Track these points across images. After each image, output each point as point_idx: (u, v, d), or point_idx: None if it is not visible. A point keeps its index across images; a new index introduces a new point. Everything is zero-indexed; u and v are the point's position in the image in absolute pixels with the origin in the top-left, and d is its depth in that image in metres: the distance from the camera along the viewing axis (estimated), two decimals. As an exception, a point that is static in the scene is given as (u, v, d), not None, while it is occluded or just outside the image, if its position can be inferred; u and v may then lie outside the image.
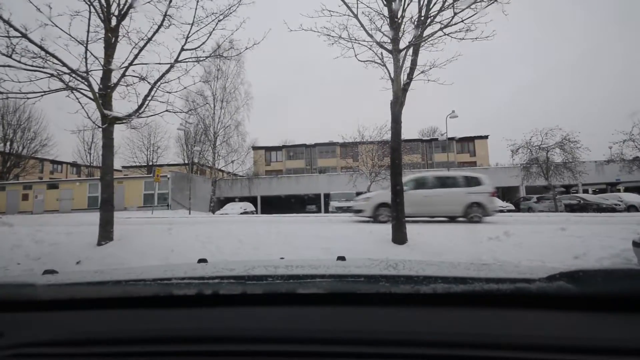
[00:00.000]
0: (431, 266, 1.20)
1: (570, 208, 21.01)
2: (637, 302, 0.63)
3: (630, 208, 20.60)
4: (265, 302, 0.73)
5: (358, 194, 21.93)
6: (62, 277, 1.00)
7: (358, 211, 10.22)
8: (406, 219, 6.14)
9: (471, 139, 40.46)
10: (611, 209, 20.04)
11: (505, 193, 28.39)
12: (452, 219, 9.97)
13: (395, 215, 6.04)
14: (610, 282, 0.68)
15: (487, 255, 5.02)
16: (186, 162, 30.58)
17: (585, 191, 28.28)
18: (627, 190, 27.73)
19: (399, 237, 5.94)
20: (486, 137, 40.52)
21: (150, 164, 35.44)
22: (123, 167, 38.68)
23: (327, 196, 25.58)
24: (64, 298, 0.77)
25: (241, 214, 20.60)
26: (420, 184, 10.16)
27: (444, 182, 10.29)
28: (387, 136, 20.82)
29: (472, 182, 10.14)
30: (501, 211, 21.65)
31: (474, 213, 9.55)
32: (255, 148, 34.86)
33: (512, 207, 22.25)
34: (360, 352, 0.60)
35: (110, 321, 0.71)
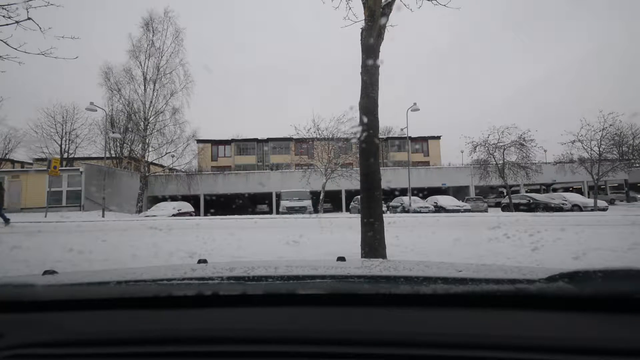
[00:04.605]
0: (431, 267, 1.19)
1: (521, 207, 21.18)
2: (637, 303, 0.62)
3: (574, 207, 21.18)
4: (265, 303, 0.73)
5: (312, 192, 20.06)
6: (62, 278, 0.99)
7: None
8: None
9: (425, 139, 40.74)
10: (559, 209, 20.39)
11: (455, 193, 28.38)
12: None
13: (367, 220, 3.86)
14: (610, 282, 0.67)
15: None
16: (112, 154, 25.93)
17: (524, 191, 29.17)
18: (554, 190, 29.72)
19: (376, 253, 3.77)
20: (439, 137, 41.14)
21: (66, 156, 29.67)
22: (35, 159, 32.09)
23: (280, 195, 23.15)
24: (64, 298, 0.76)
25: (174, 215, 17.19)
26: None
27: None
28: (345, 128, 19.06)
29: None
30: (458, 211, 21.39)
31: None
32: (200, 141, 31.13)
33: (468, 206, 21.71)
34: (361, 352, 0.60)
35: (111, 322, 0.71)
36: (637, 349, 0.56)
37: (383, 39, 3.86)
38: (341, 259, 1.38)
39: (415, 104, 20.10)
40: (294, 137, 22.25)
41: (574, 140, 21.28)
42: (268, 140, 38.99)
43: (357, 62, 4.00)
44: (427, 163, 37.81)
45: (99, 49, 42.74)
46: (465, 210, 20.84)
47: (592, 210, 20.21)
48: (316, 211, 18.93)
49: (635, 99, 46.97)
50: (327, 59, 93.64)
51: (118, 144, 26.61)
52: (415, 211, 18.80)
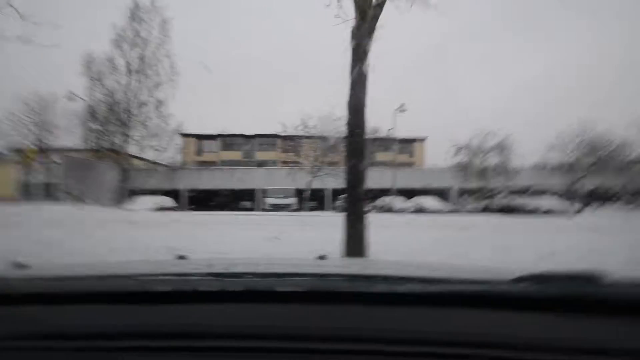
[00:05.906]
0: (408, 266, 1.27)
1: (500, 210, 21.87)
2: (597, 304, 0.66)
3: (548, 211, 22.02)
4: (244, 299, 0.73)
5: (297, 190, 20.11)
6: (35, 271, 0.99)
7: None
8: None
9: (410, 141, 41.25)
10: (535, 212, 21.18)
11: (439, 194, 28.91)
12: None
13: (350, 219, 3.94)
14: (572, 283, 0.71)
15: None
16: (91, 145, 25.08)
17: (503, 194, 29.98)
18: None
19: (357, 252, 3.85)
20: (424, 139, 41.75)
21: (43, 146, 28.42)
22: (10, 150, 30.56)
23: (265, 192, 22.99)
24: (36, 292, 0.76)
25: (154, 210, 16.85)
26: None
27: None
28: (332, 127, 19.14)
29: None
30: (440, 212, 21.91)
31: None
32: (185, 135, 30.51)
33: (450, 208, 22.25)
34: (336, 348, 0.62)
35: (85, 316, 0.71)
36: (589, 348, 0.62)
37: (373, 38, 3.93)
38: (322, 257, 1.41)
39: (402, 104, 20.48)
40: (282, 134, 22.19)
41: (552, 146, 22.14)
42: (255, 136, 38.57)
43: (347, 61, 4.06)
44: (412, 164, 38.36)
45: (82, 38, 40.98)
46: (448, 212, 21.40)
47: (564, 214, 21.10)
48: (301, 209, 18.96)
49: (635, 99, 48.32)
50: (317, 56, 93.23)
51: (98, 136, 25.76)
52: (398, 211, 19.14)
